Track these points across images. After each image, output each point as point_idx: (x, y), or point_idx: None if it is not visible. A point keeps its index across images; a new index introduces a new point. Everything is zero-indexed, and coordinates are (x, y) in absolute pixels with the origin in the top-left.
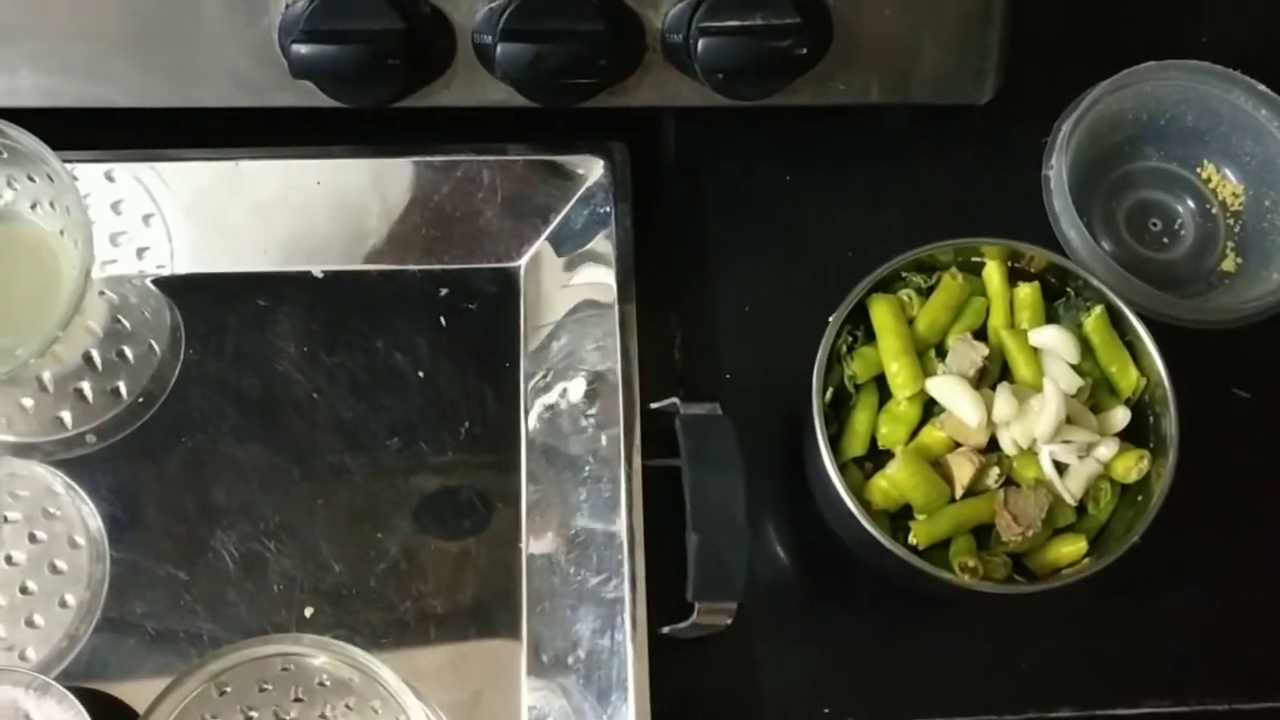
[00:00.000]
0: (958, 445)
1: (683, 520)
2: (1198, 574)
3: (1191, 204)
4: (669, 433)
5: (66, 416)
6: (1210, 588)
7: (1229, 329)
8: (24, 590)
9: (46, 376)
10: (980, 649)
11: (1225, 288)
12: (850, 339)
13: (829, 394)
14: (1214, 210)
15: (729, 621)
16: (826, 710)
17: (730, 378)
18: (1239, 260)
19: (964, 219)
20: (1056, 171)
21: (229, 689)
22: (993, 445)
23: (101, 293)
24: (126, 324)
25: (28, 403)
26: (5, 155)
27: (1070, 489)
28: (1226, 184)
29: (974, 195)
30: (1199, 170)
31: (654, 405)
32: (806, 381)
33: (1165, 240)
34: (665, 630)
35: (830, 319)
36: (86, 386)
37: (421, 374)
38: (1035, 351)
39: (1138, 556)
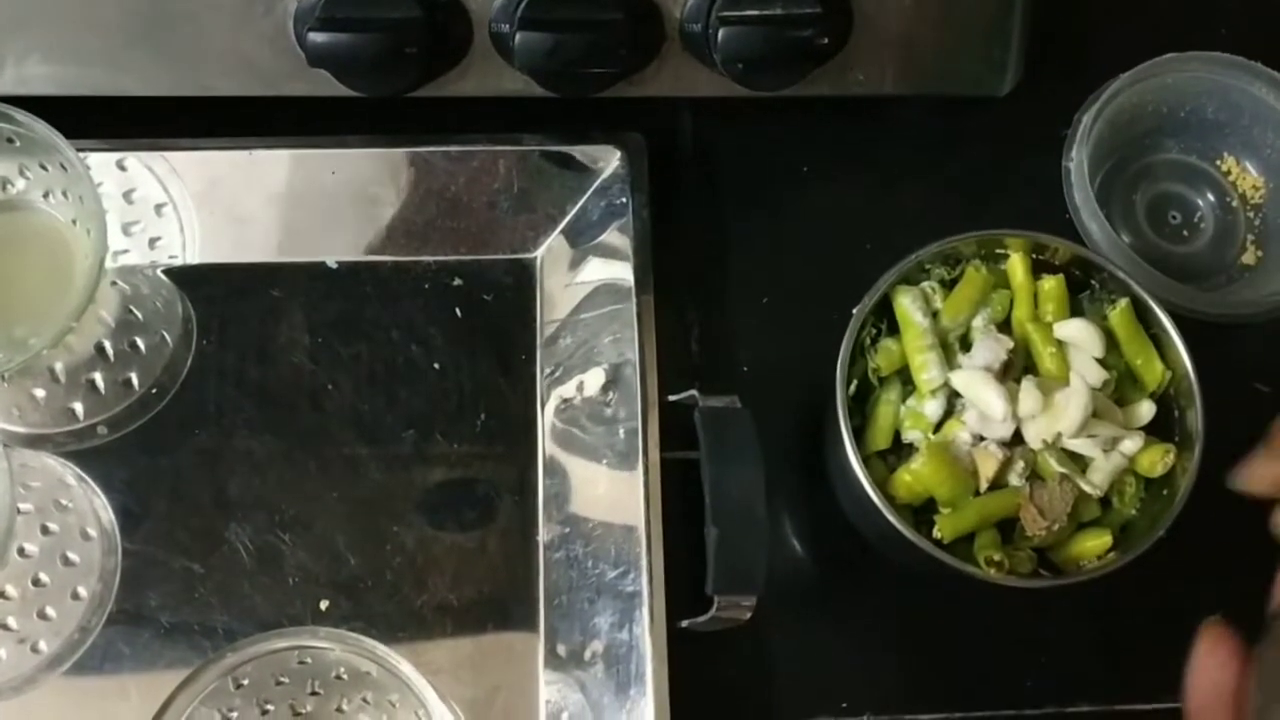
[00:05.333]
0: (982, 439)
1: (701, 513)
2: (1221, 569)
3: (1211, 197)
4: (687, 425)
5: (78, 408)
6: (1233, 583)
7: (1250, 322)
8: (36, 582)
9: (58, 367)
10: (1000, 644)
11: (1246, 281)
12: (873, 331)
13: (852, 387)
14: (1234, 203)
15: (748, 615)
16: (845, 704)
17: (747, 370)
18: (1259, 253)
19: (984, 211)
20: (1077, 164)
21: (245, 682)
22: (1017, 438)
23: (114, 283)
24: (139, 315)
25: (39, 394)
26: (17, 143)
27: (1095, 483)
28: (1247, 176)
29: (994, 187)
30: (1219, 163)
31: (672, 398)
32: (825, 374)
33: (1185, 233)
34: (684, 624)
35: (854, 311)
36: (98, 377)
37: (437, 366)
38: (1060, 344)
39: (1162, 551)
